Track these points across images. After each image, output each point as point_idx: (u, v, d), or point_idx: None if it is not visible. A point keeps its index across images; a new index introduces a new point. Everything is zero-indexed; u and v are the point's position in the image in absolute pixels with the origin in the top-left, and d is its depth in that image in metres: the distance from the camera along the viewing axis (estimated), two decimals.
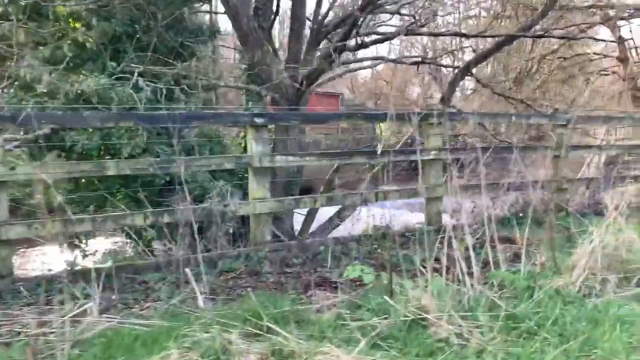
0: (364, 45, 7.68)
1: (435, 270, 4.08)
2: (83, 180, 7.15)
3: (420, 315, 2.80)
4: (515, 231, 5.97)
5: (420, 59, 11.09)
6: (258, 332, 2.66)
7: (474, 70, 10.10)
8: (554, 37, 9.53)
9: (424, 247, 3.94)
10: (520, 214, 6.69)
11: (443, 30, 12.25)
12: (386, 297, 2.94)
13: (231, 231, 5.31)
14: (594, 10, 20.18)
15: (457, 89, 13.09)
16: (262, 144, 4.97)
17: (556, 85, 25.75)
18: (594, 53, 31.87)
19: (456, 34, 8.40)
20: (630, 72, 29.80)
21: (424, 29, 8.42)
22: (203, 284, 3.53)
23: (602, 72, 30.36)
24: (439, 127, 6.07)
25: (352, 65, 12.05)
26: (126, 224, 4.41)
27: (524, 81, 23.13)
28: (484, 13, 15.75)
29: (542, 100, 23.40)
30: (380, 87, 34.10)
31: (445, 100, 9.64)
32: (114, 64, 7.87)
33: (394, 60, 11.13)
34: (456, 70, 9.77)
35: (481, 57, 9.36)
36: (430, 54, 16.53)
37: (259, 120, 4.88)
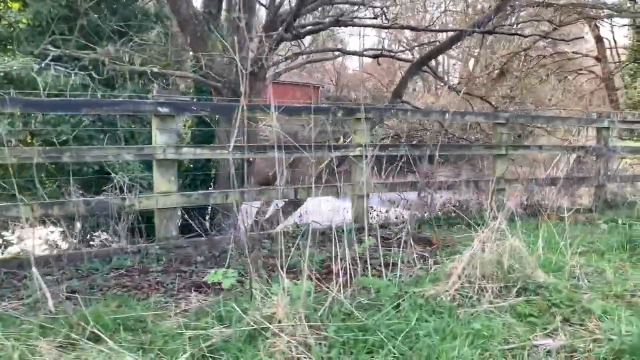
0: (299, 36, 7.43)
1: (327, 273, 3.93)
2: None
3: (264, 324, 2.60)
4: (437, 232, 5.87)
5: (380, 52, 10.87)
6: (79, 339, 2.45)
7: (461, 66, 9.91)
8: (503, 33, 9.35)
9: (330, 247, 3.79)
10: (453, 214, 6.55)
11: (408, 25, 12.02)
12: (234, 305, 2.74)
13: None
14: (571, 7, 20.18)
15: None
16: (168, 134, 4.73)
17: (534, 84, 25.78)
18: (573, 52, 31.97)
19: (403, 27, 8.19)
20: (607, 71, 29.96)
21: (376, 21, 8.18)
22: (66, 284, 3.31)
23: (579, 72, 30.52)
24: (367, 123, 5.87)
25: (315, 56, 11.83)
26: (11, 215, 4.15)
27: (499, 79, 23.09)
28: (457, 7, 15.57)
29: (518, 99, 23.46)
30: (367, 79, 33.94)
31: (396, 94, 9.45)
32: (50, 47, 7.56)
33: (353, 53, 10.89)
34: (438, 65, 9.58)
35: (435, 52, 9.18)
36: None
37: (163, 110, 4.65)
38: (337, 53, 11.39)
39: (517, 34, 9.83)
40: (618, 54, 33.04)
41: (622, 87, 31.40)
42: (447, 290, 3.11)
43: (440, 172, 8.29)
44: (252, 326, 2.62)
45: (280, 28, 7.27)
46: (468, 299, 3.16)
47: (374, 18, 8.83)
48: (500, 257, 3.32)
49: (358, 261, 3.79)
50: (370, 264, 3.64)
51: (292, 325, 2.60)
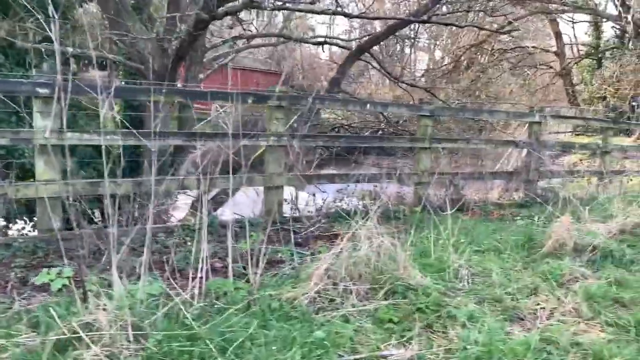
0: (216, 17, 7.09)
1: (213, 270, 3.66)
2: None
3: (77, 333, 2.32)
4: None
5: (324, 40, 10.60)
6: None
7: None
8: (440, 23, 9.18)
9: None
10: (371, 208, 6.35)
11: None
12: (53, 309, 2.45)
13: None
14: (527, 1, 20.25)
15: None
16: (49, 118, 4.36)
17: (493, 77, 25.91)
18: (532, 47, 32.24)
19: (335, 13, 7.91)
20: (564, 66, 30.34)
21: (302, 5, 7.87)
22: None
23: (538, 66, 30.86)
24: (282, 111, 5.60)
25: (258, 41, 11.45)
26: None
27: (455, 71, 23.13)
28: None
29: (476, 92, 23.54)
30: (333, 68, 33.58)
31: (333, 83, 9.21)
32: None
33: (296, 39, 10.58)
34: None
35: (372, 41, 8.95)
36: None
37: (42, 91, 4.28)
38: (279, 39, 11.06)
39: (452, 24, 9.66)
40: (578, 50, 33.57)
41: (580, 83, 31.85)
42: (306, 293, 2.88)
43: (374, 163, 8.12)
44: (66, 335, 2.34)
45: (197, 8, 6.91)
46: (330, 302, 2.94)
47: (310, 3, 8.51)
48: (375, 257, 3.11)
49: (239, 259, 3.56)
50: (249, 262, 3.38)
51: (111, 335, 2.33)
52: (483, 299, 3.24)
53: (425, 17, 8.15)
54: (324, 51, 12.30)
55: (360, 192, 6.38)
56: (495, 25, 22.80)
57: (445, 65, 21.92)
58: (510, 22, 20.63)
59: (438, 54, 31.41)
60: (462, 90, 23.30)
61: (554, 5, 21.84)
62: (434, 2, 8.46)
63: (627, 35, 22.51)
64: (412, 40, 31.69)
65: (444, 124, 13.02)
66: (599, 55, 30.61)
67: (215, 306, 2.80)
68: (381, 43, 31.39)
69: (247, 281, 3.13)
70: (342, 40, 11.75)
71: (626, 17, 19.30)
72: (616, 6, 22.56)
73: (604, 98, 27.33)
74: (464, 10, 10.96)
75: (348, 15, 8.45)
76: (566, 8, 21.54)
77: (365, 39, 9.42)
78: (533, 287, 3.49)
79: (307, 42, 10.86)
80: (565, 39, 35.50)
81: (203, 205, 4.84)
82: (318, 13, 7.62)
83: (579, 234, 4.20)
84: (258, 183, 5.62)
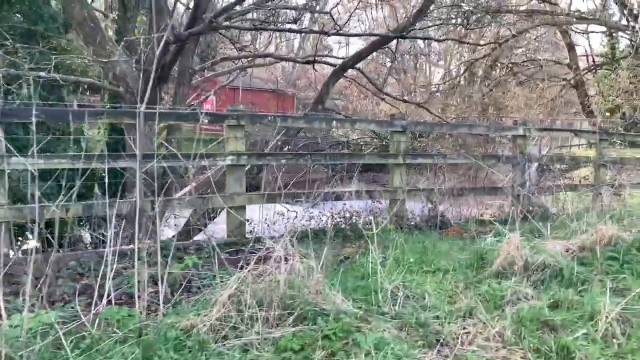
0: (192, 34, 7.10)
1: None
2: None
3: None
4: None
5: (313, 58, 10.57)
6: None
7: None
8: (417, 37, 9.05)
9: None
10: (343, 226, 6.20)
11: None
12: None
13: None
14: (527, 15, 20.00)
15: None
16: None
17: (502, 92, 25.56)
18: (545, 59, 31.86)
19: (312, 32, 7.85)
20: (578, 79, 29.81)
21: (272, 25, 7.85)
22: None
23: (551, 79, 30.40)
24: (239, 130, 5.53)
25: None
26: None
27: (470, 86, 22.87)
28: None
29: (482, 106, 23.22)
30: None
31: (317, 101, 9.14)
32: None
33: (285, 58, 10.60)
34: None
35: (356, 58, 8.86)
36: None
37: None
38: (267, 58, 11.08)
39: (429, 38, 9.50)
40: (594, 61, 32.99)
41: (596, 94, 31.18)
42: (206, 321, 2.75)
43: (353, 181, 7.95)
44: None
45: (169, 30, 6.93)
46: (234, 329, 2.81)
47: (293, 22, 8.51)
48: (286, 281, 2.97)
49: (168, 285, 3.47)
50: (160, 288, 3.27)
51: None
52: (406, 324, 3.07)
53: (404, 33, 8.04)
54: (315, 70, 12.18)
55: (329, 212, 6.24)
56: (503, 39, 22.58)
57: (448, 80, 21.66)
58: (514, 35, 20.42)
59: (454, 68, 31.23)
60: (472, 104, 23.06)
61: (560, 17, 21.54)
62: (415, 18, 8.36)
63: (634, 44, 22.02)
64: (425, 56, 31.63)
65: (440, 140, 12.82)
66: (615, 66, 30.01)
67: (112, 336, 2.69)
68: (397, 59, 31.41)
69: (155, 310, 3.03)
70: (333, 57, 11.71)
71: (634, 26, 18.89)
72: (625, 15, 22.15)
73: (620, 109, 26.73)
74: (440, 24, 10.81)
75: (325, 33, 8.41)
76: (571, 19, 21.18)
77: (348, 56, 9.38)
78: (467, 309, 3.31)
79: (296, 61, 10.83)
80: (582, 50, 35.06)
81: (156, 227, 4.79)
82: (293, 32, 7.57)
83: (531, 252, 3.98)
84: (218, 204, 5.54)
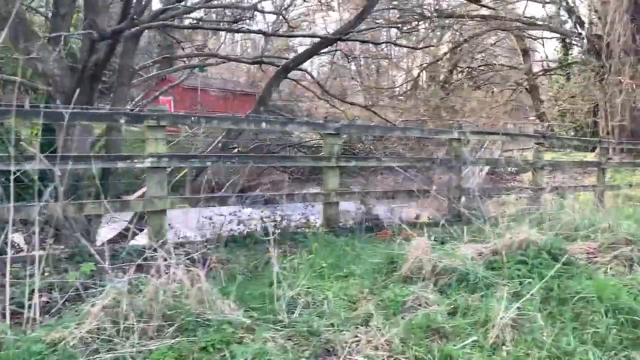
0: (115, 32, 6.88)
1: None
2: None
3: None
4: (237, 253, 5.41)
5: (260, 59, 10.43)
6: None
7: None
8: (357, 40, 9.04)
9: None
10: (274, 231, 6.08)
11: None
12: None
13: None
14: (482, 20, 20.35)
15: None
16: None
17: (458, 95, 25.93)
18: (500, 64, 32.51)
19: (251, 32, 7.74)
20: (531, 84, 30.54)
21: (206, 24, 7.68)
22: None
23: (506, 84, 31.01)
24: (160, 131, 5.35)
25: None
26: None
27: (416, 90, 23.13)
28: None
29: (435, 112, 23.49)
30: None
31: (260, 102, 9.01)
32: None
33: (232, 59, 10.42)
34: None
35: (300, 59, 8.77)
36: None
37: None
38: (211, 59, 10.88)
39: (370, 42, 9.54)
40: (548, 66, 33.92)
41: (549, 99, 31.92)
42: (77, 333, 2.59)
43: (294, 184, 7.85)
44: None
45: (97, 27, 6.70)
46: (108, 342, 2.65)
47: (233, 22, 8.35)
48: (166, 290, 2.84)
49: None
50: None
51: None
52: (297, 333, 2.97)
53: (341, 36, 8.01)
54: (263, 71, 12.06)
55: (260, 216, 6.12)
56: (456, 43, 22.92)
57: (406, 82, 21.86)
58: (466, 40, 20.75)
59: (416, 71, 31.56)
60: (429, 108, 23.33)
61: (513, 22, 22.04)
62: (356, 21, 8.33)
63: (582, 50, 22.71)
64: (387, 59, 31.79)
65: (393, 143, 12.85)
66: (567, 72, 30.89)
67: None
68: (360, 62, 31.43)
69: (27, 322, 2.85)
70: (281, 58, 11.59)
71: (580, 33, 19.45)
72: (574, 23, 22.81)
73: (571, 113, 27.52)
74: (379, 27, 10.85)
75: (264, 33, 8.28)
76: (523, 26, 21.69)
77: (291, 58, 9.28)
78: (366, 316, 3.24)
79: (241, 61, 10.67)
80: (538, 56, 35.98)
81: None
82: (231, 31, 7.42)
83: (440, 257, 3.95)
84: (136, 208, 5.35)
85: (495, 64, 30.90)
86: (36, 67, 7.45)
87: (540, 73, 27.72)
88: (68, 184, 7.95)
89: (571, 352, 2.80)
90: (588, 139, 15.80)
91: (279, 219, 6.18)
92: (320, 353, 2.81)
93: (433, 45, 16.31)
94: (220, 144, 8.82)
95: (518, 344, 2.89)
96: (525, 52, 30.54)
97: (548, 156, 21.50)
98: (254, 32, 7.80)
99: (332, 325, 3.11)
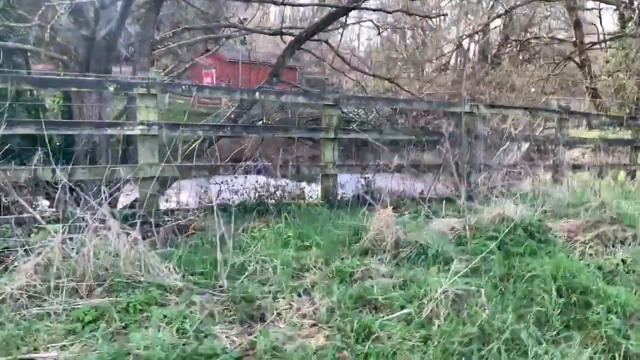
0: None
1: None
2: None
3: None
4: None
5: (279, 31, 10.36)
6: None
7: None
8: (367, 9, 8.77)
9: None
10: (267, 200, 6.08)
11: None
12: None
13: None
14: None
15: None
16: None
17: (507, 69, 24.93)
18: (551, 37, 31.01)
19: (263, 1, 7.63)
20: (584, 58, 28.99)
21: None
22: None
23: (557, 59, 29.62)
24: (151, 99, 5.41)
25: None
26: None
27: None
28: None
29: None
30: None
31: (273, 74, 8.96)
32: None
33: (251, 30, 10.39)
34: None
35: (311, 31, 8.63)
36: None
37: None
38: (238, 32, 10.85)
39: (381, 10, 9.22)
40: (605, 40, 32.00)
41: (601, 74, 30.29)
42: (7, 289, 2.68)
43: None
44: None
45: None
46: (37, 299, 2.74)
47: None
48: (100, 252, 2.89)
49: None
50: None
51: None
52: (231, 298, 2.98)
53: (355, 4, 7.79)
54: (284, 42, 11.96)
55: (253, 185, 6.12)
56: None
57: (442, 55, 21.12)
58: (507, 11, 19.83)
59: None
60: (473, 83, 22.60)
61: None
62: None
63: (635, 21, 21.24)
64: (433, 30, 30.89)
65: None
66: (622, 44, 29.04)
67: None
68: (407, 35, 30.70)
69: None
70: (299, 29, 11.44)
71: (633, 2, 18.21)
72: None
73: (623, 89, 25.96)
74: None
75: (275, 3, 8.18)
76: None
77: (303, 29, 9.12)
78: (310, 285, 3.21)
79: (264, 33, 10.64)
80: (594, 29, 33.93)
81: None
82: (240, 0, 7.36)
83: (403, 230, 3.85)
84: (126, 174, 5.45)
85: (544, 36, 29.48)
86: (52, 38, 7.66)
87: (589, 45, 26.14)
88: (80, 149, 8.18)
89: (503, 330, 2.67)
90: (617, 114, 14.95)
91: (272, 190, 6.16)
92: (246, 319, 2.81)
93: (444, 14, 15.56)
94: (233, 115, 8.87)
95: (452, 319, 2.79)
96: (577, 25, 28.89)
97: (594, 134, 20.50)
98: (266, 1, 7.72)
99: (270, 292, 3.10)
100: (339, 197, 6.60)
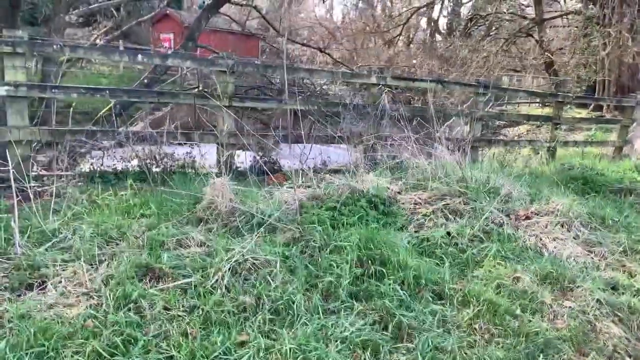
0: None
1: None
2: None
3: None
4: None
5: None
6: None
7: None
8: None
9: None
10: (152, 169, 5.92)
11: None
12: None
13: None
14: None
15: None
16: None
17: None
18: (510, 13, 31.05)
19: None
20: (544, 34, 29.12)
21: None
22: None
23: (516, 35, 29.71)
24: (18, 58, 5.15)
25: None
26: None
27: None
28: None
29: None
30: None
31: (188, 38, 8.68)
32: None
33: None
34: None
35: None
36: None
37: None
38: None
39: None
40: (567, 19, 32.14)
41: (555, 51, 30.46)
42: None
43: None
44: None
45: None
46: None
47: None
48: None
49: None
50: None
51: None
52: (17, 266, 2.86)
53: None
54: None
55: (133, 152, 5.93)
56: None
57: (390, 29, 20.89)
58: None
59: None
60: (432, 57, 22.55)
61: None
62: None
63: None
64: None
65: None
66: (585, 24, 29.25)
67: None
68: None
69: None
70: None
71: None
72: None
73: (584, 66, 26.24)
74: None
75: None
76: None
77: None
78: (113, 254, 3.11)
79: None
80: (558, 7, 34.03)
81: None
82: None
83: (239, 200, 3.77)
84: None
85: (504, 12, 29.53)
86: None
87: (547, 19, 26.13)
88: None
89: (277, 299, 2.64)
90: (537, 91, 15.15)
91: (157, 157, 6.00)
92: (23, 287, 2.70)
93: None
94: (146, 80, 8.60)
95: (235, 289, 2.74)
96: (538, 2, 28.98)
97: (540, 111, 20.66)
98: None
99: (65, 261, 2.99)
100: (234, 168, 6.49)
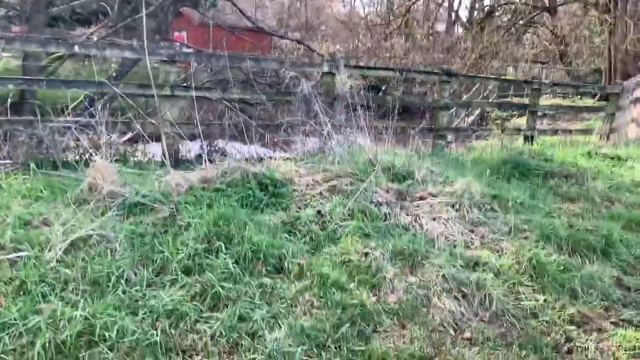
0: None
1: None
2: None
3: None
4: None
5: None
6: None
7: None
8: None
9: None
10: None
11: None
12: None
13: None
14: None
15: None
16: None
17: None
18: (523, 3, 30.48)
19: None
20: (555, 24, 28.51)
21: None
22: None
23: (528, 24, 29.23)
24: None
25: None
26: None
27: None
28: None
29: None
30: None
31: (156, 31, 8.82)
32: None
33: None
34: None
35: None
36: None
37: None
38: None
39: None
40: (586, 7, 31.35)
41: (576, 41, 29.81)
42: None
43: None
44: None
45: None
46: None
47: None
48: None
49: None
50: None
51: None
52: None
53: None
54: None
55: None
56: None
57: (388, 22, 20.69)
58: None
59: None
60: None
61: None
62: None
63: None
64: None
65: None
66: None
67: None
68: None
69: None
70: None
71: None
72: None
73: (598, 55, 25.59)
74: None
75: None
76: None
77: None
78: None
79: None
80: None
81: None
82: None
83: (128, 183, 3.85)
84: None
85: (517, 2, 29.02)
86: None
87: (545, 6, 25.56)
88: None
89: (100, 270, 2.71)
90: (511, 79, 14.80)
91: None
92: None
93: None
94: (114, 73, 8.78)
95: (65, 263, 2.81)
96: None
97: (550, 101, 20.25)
98: None
99: None
100: (181, 157, 6.60)
